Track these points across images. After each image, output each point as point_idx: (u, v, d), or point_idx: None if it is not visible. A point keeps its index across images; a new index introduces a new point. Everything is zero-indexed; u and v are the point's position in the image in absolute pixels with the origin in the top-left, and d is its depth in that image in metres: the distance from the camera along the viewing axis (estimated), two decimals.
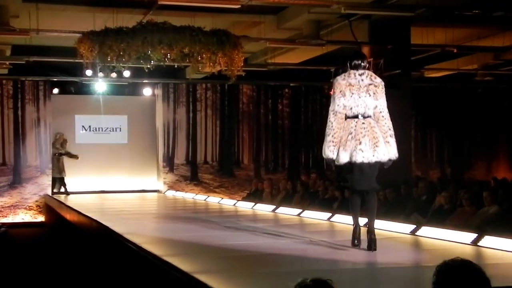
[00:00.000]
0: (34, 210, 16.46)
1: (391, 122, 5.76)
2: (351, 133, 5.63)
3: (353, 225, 6.08)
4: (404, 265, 5.52)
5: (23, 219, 16.30)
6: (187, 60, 11.41)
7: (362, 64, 5.78)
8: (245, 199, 14.55)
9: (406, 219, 8.98)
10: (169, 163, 17.53)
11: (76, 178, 15.30)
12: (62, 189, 15.95)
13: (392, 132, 5.74)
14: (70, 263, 9.99)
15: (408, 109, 13.79)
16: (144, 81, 17.10)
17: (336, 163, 5.73)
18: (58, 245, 12.38)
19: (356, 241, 5.99)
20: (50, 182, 16.51)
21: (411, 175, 14.02)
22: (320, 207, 10.99)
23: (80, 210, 10.65)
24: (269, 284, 4.51)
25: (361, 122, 5.64)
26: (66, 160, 16.16)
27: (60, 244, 12.34)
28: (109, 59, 10.74)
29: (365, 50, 13.39)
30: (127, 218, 10.27)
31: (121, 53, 10.55)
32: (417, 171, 17.13)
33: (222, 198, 14.06)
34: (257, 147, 18.02)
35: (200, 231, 8.26)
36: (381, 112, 5.72)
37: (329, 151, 5.69)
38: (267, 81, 17.54)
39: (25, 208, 16.41)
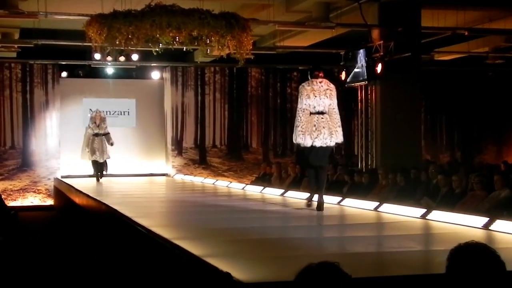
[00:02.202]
0: (43, 194, 16.53)
1: (339, 116, 7.80)
2: (314, 125, 7.62)
3: (310, 191, 8.24)
4: (415, 249, 5.49)
5: (32, 202, 16.38)
6: (196, 43, 11.32)
7: (320, 74, 7.80)
8: (253, 183, 14.53)
9: (417, 203, 8.93)
10: (178, 147, 17.54)
11: (85, 162, 15.25)
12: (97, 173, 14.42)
13: (340, 123, 7.75)
14: (79, 247, 10.02)
15: (417, 92, 13.69)
16: (152, 65, 17.07)
17: (294, 141, 7.82)
18: (67, 229, 12.43)
19: (309, 203, 8.12)
20: (59, 165, 16.56)
21: (421, 159, 13.95)
22: (329, 191, 10.93)
23: (89, 194, 10.66)
24: (278, 267, 4.49)
25: (321, 117, 7.66)
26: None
27: (70, 227, 12.38)
28: (117, 43, 10.67)
29: (375, 32, 13.30)
30: (136, 201, 10.29)
31: (130, 36, 10.47)
32: (426, 155, 17.05)
33: (231, 182, 14.05)
34: (265, 130, 17.98)
35: (209, 214, 8.26)
36: (334, 108, 7.73)
37: (300, 139, 7.69)
38: (276, 65, 17.47)
39: (34, 192, 16.48)
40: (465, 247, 2.53)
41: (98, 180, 14.36)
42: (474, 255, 2.49)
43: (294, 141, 7.87)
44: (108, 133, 14.22)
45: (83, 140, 14.50)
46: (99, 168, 14.37)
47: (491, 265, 2.47)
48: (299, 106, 7.78)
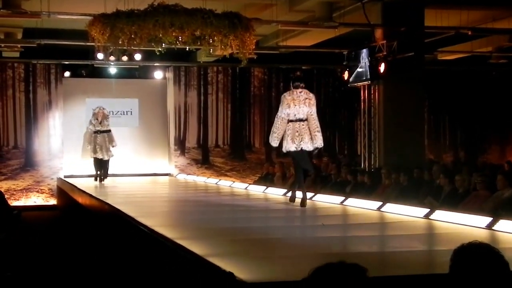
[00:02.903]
0: (46, 193, 16.54)
1: (318, 122, 8.49)
2: (297, 131, 8.39)
3: (298, 189, 8.81)
4: (418, 249, 5.48)
5: (35, 202, 16.39)
6: (199, 43, 11.32)
7: (301, 85, 8.48)
8: (256, 182, 14.52)
9: (420, 203, 8.91)
10: (181, 147, 17.54)
11: (87, 161, 15.25)
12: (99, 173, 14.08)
13: (319, 128, 8.44)
14: (82, 247, 10.03)
15: (421, 92, 13.67)
16: (155, 64, 17.07)
17: (284, 151, 8.60)
18: (70, 229, 12.43)
19: (292, 200, 8.78)
20: (62, 165, 16.56)
21: (424, 158, 13.93)
22: (332, 191, 10.94)
23: (92, 194, 10.66)
24: (281, 267, 4.49)
25: (301, 124, 8.41)
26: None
27: (73, 227, 12.39)
28: (120, 42, 10.67)
29: (378, 32, 13.28)
30: (139, 201, 10.29)
31: (133, 36, 10.47)
32: (429, 154, 17.02)
33: (234, 182, 14.05)
34: (268, 130, 17.86)
35: (211, 214, 8.25)
36: (312, 115, 8.45)
37: (274, 143, 8.56)
38: (279, 64, 17.44)
39: (37, 191, 16.49)
40: (468, 247, 2.52)
41: (100, 180, 14.01)
42: (478, 255, 2.48)
43: (270, 143, 8.65)
44: (110, 130, 13.98)
45: (83, 138, 14.32)
46: (102, 167, 14.04)
47: (494, 265, 2.46)
48: (278, 114, 8.57)
